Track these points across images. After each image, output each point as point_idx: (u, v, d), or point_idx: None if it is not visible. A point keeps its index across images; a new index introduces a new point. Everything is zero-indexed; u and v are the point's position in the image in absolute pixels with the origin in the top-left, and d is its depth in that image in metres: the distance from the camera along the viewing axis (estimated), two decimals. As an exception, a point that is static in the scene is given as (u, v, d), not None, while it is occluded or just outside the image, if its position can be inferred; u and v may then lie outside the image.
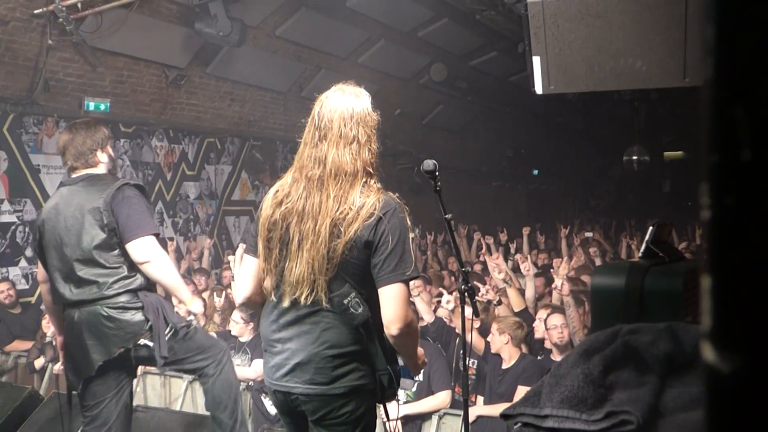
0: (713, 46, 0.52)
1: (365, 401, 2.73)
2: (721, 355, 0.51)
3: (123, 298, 3.83)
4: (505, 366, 5.20)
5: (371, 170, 2.72)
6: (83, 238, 3.81)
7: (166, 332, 3.88)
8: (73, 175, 4.02)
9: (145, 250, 3.79)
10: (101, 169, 4.03)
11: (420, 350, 2.94)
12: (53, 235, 3.91)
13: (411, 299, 2.83)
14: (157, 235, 3.89)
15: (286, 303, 2.70)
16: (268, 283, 2.78)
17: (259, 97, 10.95)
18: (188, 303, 4.11)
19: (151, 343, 3.88)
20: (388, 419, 3.03)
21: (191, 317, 4.25)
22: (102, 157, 4.02)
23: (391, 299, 2.62)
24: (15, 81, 8.04)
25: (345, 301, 2.61)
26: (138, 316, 3.85)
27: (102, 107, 8.79)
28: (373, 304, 2.67)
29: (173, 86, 9.64)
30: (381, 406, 3.00)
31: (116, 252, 3.83)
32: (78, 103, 8.67)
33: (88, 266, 3.82)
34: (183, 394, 5.93)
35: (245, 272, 2.87)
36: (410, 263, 2.65)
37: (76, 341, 3.88)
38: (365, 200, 2.63)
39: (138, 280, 3.86)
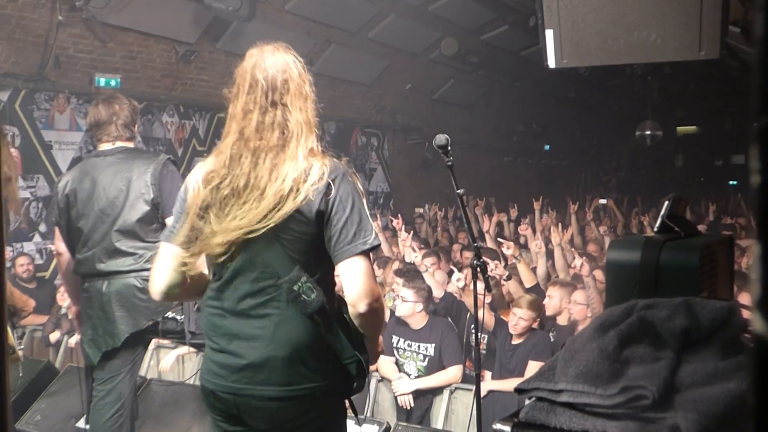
0: (764, 1, 0.49)
1: (331, 404, 2.43)
2: None
3: None
4: (515, 341, 5.21)
5: (312, 135, 2.40)
6: (127, 210, 3.82)
7: (195, 307, 3.86)
8: (105, 147, 3.99)
9: None
10: (132, 144, 4.07)
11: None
12: (89, 205, 3.88)
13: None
14: None
15: (227, 291, 2.38)
16: (206, 271, 2.49)
17: (269, 72, 10.89)
18: None
19: (180, 317, 3.89)
20: (356, 415, 2.67)
21: None
22: (134, 132, 4.09)
23: (353, 274, 2.32)
24: (26, 57, 8.03)
25: (295, 288, 2.26)
26: None
27: (112, 83, 8.77)
28: (327, 286, 2.38)
29: (183, 62, 9.62)
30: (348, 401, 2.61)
31: (155, 226, 3.82)
32: (88, 79, 8.66)
33: (127, 237, 3.83)
34: (196, 368, 5.98)
35: (163, 262, 2.50)
36: (369, 231, 2.35)
37: (101, 313, 3.86)
38: (312, 163, 2.33)
39: None
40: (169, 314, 3.88)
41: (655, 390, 1.34)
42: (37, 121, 8.52)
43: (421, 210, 11.86)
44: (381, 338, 2.64)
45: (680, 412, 1.32)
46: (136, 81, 9.24)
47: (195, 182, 2.44)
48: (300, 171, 2.29)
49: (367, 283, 2.34)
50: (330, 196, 2.30)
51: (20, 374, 5.42)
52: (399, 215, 8.58)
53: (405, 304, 5.37)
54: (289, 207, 2.27)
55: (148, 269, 3.75)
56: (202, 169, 2.47)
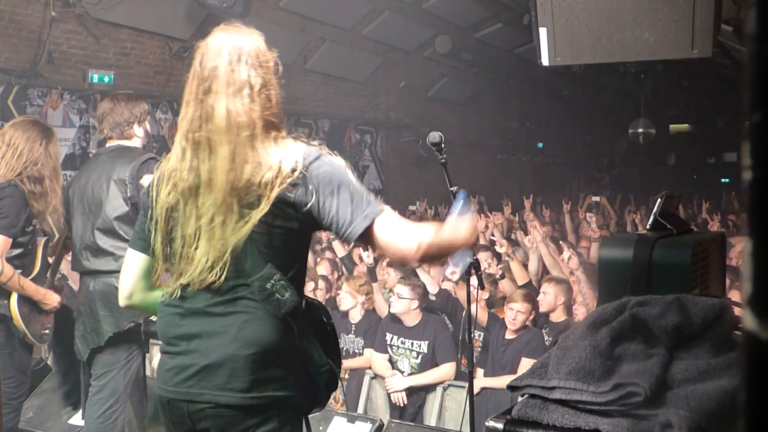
0: None
1: (290, 419, 2.15)
2: (762, 321, 0.49)
3: None
4: (508, 337, 5.22)
5: (274, 120, 2.16)
6: (106, 208, 3.82)
7: None
8: (107, 145, 4.02)
9: None
10: (135, 143, 4.01)
11: (462, 228, 2.23)
12: (81, 202, 3.93)
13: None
14: None
15: (192, 292, 2.14)
16: (169, 272, 2.25)
17: (263, 69, 10.88)
18: None
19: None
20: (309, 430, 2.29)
21: None
22: (138, 131, 4.00)
23: (373, 244, 2.14)
24: (19, 53, 8.00)
25: (268, 285, 2.05)
26: None
27: (106, 79, 8.75)
28: (299, 286, 2.17)
29: (177, 58, 9.59)
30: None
31: None
32: (82, 75, 8.64)
33: (107, 236, 3.83)
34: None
35: (129, 269, 2.34)
36: (366, 204, 2.10)
37: (88, 310, 3.89)
38: (281, 155, 2.08)
39: None
40: (153, 317, 3.80)
41: (647, 387, 1.35)
42: (30, 118, 8.49)
43: (414, 207, 11.87)
44: (465, 226, 2.24)
45: (672, 409, 1.33)
46: (129, 77, 9.21)
47: (156, 181, 2.24)
48: (269, 164, 2.06)
49: (389, 246, 2.12)
50: (309, 186, 2.07)
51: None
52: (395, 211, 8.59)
53: (400, 301, 5.38)
54: (267, 203, 2.04)
55: None
56: (161, 167, 2.26)
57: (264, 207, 2.03)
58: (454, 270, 5.59)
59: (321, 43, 11.28)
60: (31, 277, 4.20)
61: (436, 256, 2.29)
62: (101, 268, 3.86)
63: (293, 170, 2.06)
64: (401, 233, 2.11)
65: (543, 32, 4.19)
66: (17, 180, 4.01)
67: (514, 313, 5.14)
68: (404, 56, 12.99)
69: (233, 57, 2.12)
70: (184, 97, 2.17)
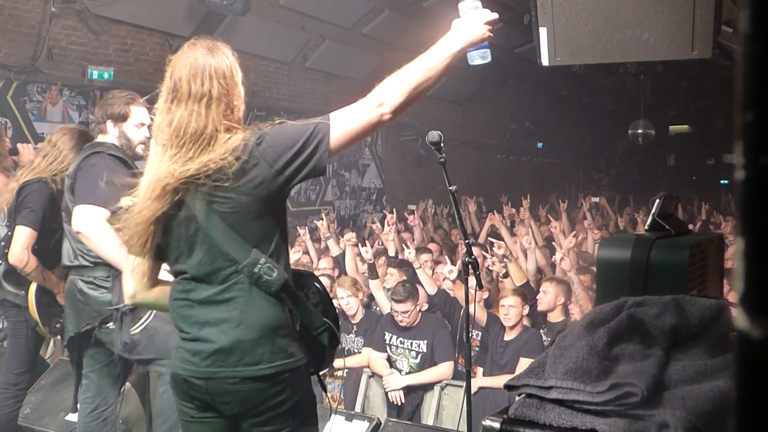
0: None
1: (301, 382, 2.40)
2: (753, 320, 0.49)
3: (98, 273, 3.72)
4: (507, 338, 5.22)
5: (234, 125, 2.33)
6: (67, 200, 3.76)
7: (139, 326, 3.70)
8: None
9: (80, 219, 3.56)
10: (109, 139, 3.87)
11: (463, 34, 2.43)
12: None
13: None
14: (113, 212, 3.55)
15: (191, 285, 2.37)
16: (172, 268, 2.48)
17: (263, 67, 10.88)
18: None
19: (113, 327, 3.71)
20: (325, 392, 2.70)
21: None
22: (112, 129, 3.86)
23: (342, 135, 2.30)
24: (18, 49, 7.99)
25: (255, 270, 2.26)
26: (107, 296, 3.70)
27: (105, 76, 8.74)
28: (283, 260, 2.36)
29: (177, 55, 9.59)
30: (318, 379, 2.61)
31: None
32: (81, 72, 8.63)
33: (69, 230, 3.76)
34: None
35: (127, 269, 2.55)
36: (315, 132, 2.27)
37: (66, 305, 3.90)
38: (229, 147, 2.26)
39: None
40: (110, 325, 3.71)
41: (644, 387, 1.35)
42: (29, 113, 8.48)
43: (414, 207, 11.87)
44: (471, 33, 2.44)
45: (669, 410, 1.33)
46: (129, 74, 9.20)
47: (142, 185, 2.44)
48: (219, 155, 2.24)
49: (356, 133, 2.31)
50: (257, 162, 2.24)
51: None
52: (394, 210, 8.60)
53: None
54: (228, 193, 2.24)
55: (88, 269, 3.72)
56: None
57: (225, 195, 2.24)
58: (451, 269, 5.59)
59: (321, 41, 11.27)
60: (52, 271, 4.32)
61: (414, 95, 2.36)
62: (69, 264, 3.82)
63: (237, 157, 2.23)
64: (357, 113, 2.30)
65: (543, 32, 4.19)
66: (48, 178, 4.20)
67: (507, 308, 5.17)
68: (404, 55, 12.93)
69: (195, 69, 2.32)
70: (157, 106, 2.39)
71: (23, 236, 4.14)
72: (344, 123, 2.30)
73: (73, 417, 4.95)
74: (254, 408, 2.34)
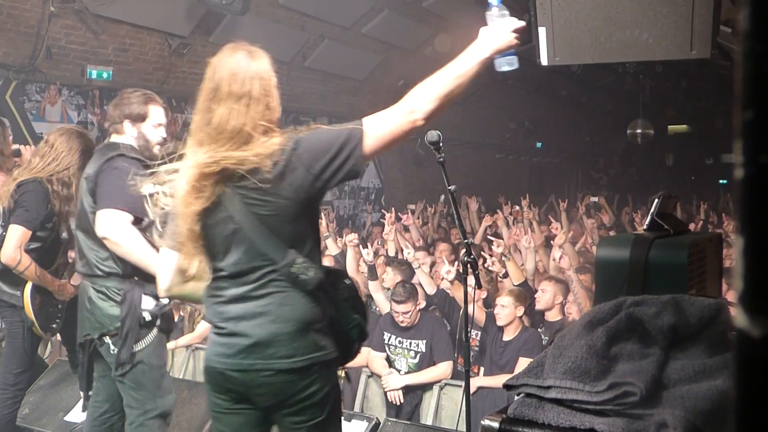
0: None
1: (330, 375, 2.51)
2: (753, 319, 0.49)
3: (110, 283, 3.62)
4: (506, 338, 5.22)
5: (270, 126, 2.41)
6: (84, 205, 3.69)
7: (143, 342, 3.63)
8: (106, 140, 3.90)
9: (105, 224, 3.49)
10: (126, 139, 3.77)
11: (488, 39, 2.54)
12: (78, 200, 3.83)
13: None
14: (138, 218, 3.52)
15: (228, 282, 2.46)
16: (207, 265, 2.56)
17: (262, 66, 10.87)
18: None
19: (113, 347, 3.62)
20: (349, 381, 2.84)
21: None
22: (130, 130, 3.77)
23: (377, 139, 2.38)
24: (17, 48, 7.99)
25: (293, 270, 2.36)
26: (115, 310, 3.61)
27: (104, 75, 8.74)
28: (318, 258, 2.48)
29: (176, 55, 9.58)
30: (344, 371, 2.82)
31: None
32: (80, 71, 8.62)
33: (84, 234, 3.69)
34: (185, 363, 5.98)
35: (165, 265, 2.65)
36: (348, 136, 2.38)
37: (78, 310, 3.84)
38: (266, 149, 2.35)
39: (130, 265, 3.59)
40: (108, 340, 3.64)
41: (642, 387, 1.35)
42: (28, 113, 8.48)
43: (413, 207, 11.86)
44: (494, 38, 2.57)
45: (668, 409, 1.33)
46: (128, 73, 9.20)
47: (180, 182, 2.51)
48: (250, 159, 2.32)
49: (391, 137, 2.40)
50: (294, 166, 2.33)
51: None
52: (392, 209, 8.59)
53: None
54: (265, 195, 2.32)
55: (100, 277, 3.62)
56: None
57: (263, 197, 2.32)
58: (449, 269, 5.59)
59: (320, 40, 11.26)
60: (48, 270, 4.32)
61: (445, 101, 2.44)
62: (81, 270, 3.74)
63: (275, 162, 2.31)
64: (390, 119, 2.38)
65: (542, 32, 4.19)
66: (44, 179, 4.18)
67: (498, 308, 5.21)
68: (403, 55, 12.98)
69: (237, 69, 2.40)
70: (196, 106, 2.45)
71: (16, 235, 4.13)
72: (378, 128, 2.39)
73: (72, 417, 4.96)
74: (287, 399, 2.43)
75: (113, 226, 3.48)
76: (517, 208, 9.49)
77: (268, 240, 2.36)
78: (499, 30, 2.54)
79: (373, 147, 2.38)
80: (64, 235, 4.35)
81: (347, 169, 2.37)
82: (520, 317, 5.28)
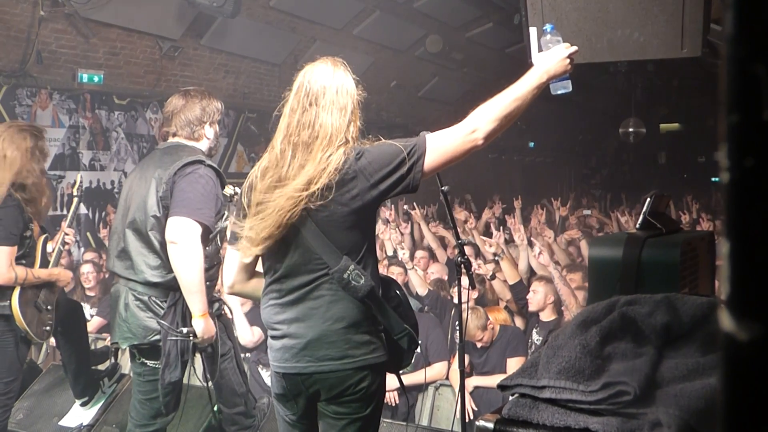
0: (733, 0, 0.49)
1: (379, 375, 2.62)
2: (739, 322, 0.49)
3: (153, 292, 3.56)
4: (480, 345, 5.19)
5: (351, 139, 2.55)
6: (141, 206, 3.56)
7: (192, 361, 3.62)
8: (168, 140, 3.78)
9: (178, 229, 3.41)
10: (201, 145, 3.72)
11: (549, 66, 2.67)
12: (124, 199, 3.71)
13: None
14: (207, 231, 3.50)
15: (284, 284, 2.57)
16: (264, 266, 2.69)
17: (254, 68, 10.86)
18: (194, 316, 3.52)
19: (150, 362, 3.59)
20: (404, 390, 3.08)
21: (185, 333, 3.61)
22: (209, 131, 3.73)
23: (438, 155, 2.52)
24: (7, 53, 7.96)
25: (345, 276, 2.44)
26: (151, 322, 3.55)
27: (96, 79, 8.72)
28: (372, 267, 2.56)
29: (167, 58, 9.56)
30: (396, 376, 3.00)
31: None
32: (71, 75, 8.60)
33: (136, 236, 3.56)
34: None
35: (229, 264, 2.77)
36: (410, 141, 2.53)
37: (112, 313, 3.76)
38: (339, 159, 2.48)
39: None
40: (140, 358, 3.64)
41: (636, 386, 1.35)
42: (19, 117, 8.45)
43: (407, 207, 11.84)
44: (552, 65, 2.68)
45: (661, 408, 1.33)
46: (119, 77, 9.18)
47: (253, 178, 2.63)
48: (318, 165, 2.44)
49: (451, 155, 2.53)
50: (358, 177, 2.44)
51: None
52: (392, 207, 8.58)
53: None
54: (305, 200, 2.42)
55: (143, 283, 3.53)
56: (258, 165, 2.65)
57: (303, 203, 2.44)
58: (437, 269, 5.58)
59: (312, 42, 11.26)
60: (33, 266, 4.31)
61: (504, 122, 2.56)
62: (120, 273, 3.63)
63: (343, 165, 2.44)
64: (452, 138, 2.52)
65: (533, 32, 4.20)
66: (11, 190, 4.08)
67: (475, 341, 5.16)
68: (395, 56, 12.99)
69: (338, 83, 2.59)
70: (289, 108, 2.59)
71: (3, 255, 4.05)
72: (439, 145, 2.52)
73: (65, 422, 4.94)
74: (340, 395, 2.55)
75: (184, 234, 3.41)
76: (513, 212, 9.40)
77: (324, 245, 2.47)
78: (554, 57, 2.66)
79: (433, 164, 2.51)
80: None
81: (406, 182, 2.48)
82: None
